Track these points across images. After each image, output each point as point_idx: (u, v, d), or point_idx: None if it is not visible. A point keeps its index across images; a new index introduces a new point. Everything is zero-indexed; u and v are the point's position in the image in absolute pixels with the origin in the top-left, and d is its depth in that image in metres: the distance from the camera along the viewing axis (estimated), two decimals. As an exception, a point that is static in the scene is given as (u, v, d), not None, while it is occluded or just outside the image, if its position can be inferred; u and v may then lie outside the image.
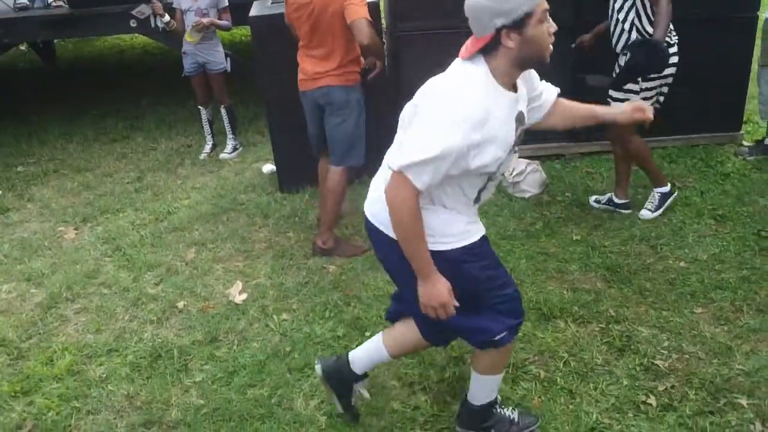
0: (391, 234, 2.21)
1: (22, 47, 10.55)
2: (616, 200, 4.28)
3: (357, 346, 3.16)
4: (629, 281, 3.55)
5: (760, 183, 4.50)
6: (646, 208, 4.19)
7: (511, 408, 2.70)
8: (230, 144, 6.07)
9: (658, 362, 2.97)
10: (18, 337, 3.54)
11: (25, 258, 4.37)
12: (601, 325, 3.23)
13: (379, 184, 2.30)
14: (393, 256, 2.28)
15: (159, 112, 7.07)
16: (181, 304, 3.71)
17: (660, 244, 3.86)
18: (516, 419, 2.65)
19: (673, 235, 3.95)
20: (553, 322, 3.29)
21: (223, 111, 6.01)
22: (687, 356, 3.00)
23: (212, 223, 4.64)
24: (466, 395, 2.63)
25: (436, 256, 2.20)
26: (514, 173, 4.55)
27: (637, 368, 2.95)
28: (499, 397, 2.68)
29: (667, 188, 4.21)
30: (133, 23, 6.14)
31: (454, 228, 2.26)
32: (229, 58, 6.14)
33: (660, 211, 4.16)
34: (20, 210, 5.18)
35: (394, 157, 2.11)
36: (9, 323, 3.65)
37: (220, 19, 5.66)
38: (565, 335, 3.18)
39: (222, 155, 5.99)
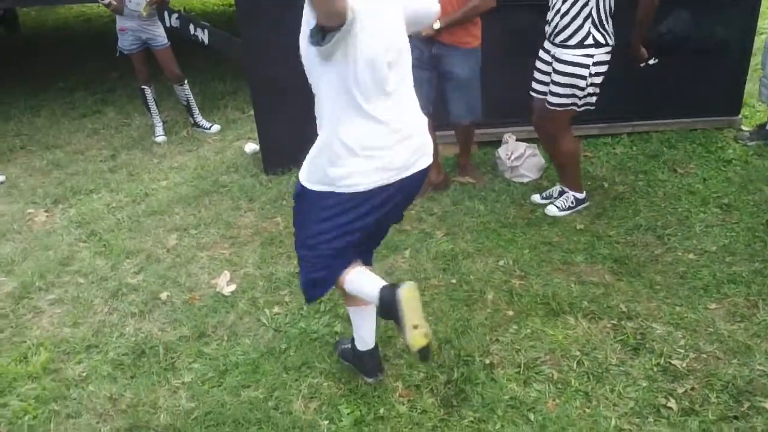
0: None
1: (-17, 15, 10.06)
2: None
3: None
4: (638, 274, 3.40)
5: (763, 170, 4.38)
6: (554, 205, 4.02)
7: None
8: (204, 120, 5.80)
9: (675, 362, 2.83)
10: (-13, 331, 3.28)
11: (-8, 243, 4.09)
12: (613, 322, 3.08)
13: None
14: None
15: (131, 86, 6.70)
16: (164, 296, 3.47)
17: (667, 234, 3.72)
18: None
19: (679, 225, 3.81)
20: (562, 317, 3.13)
21: (186, 89, 5.70)
22: (705, 356, 2.87)
23: (194, 206, 4.38)
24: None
25: None
26: (513, 157, 4.37)
27: (654, 368, 2.80)
28: None
29: (583, 195, 4.04)
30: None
31: None
32: (206, 30, 5.84)
33: (566, 213, 4.00)
34: (-14, 190, 4.87)
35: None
36: (-23, 315, 3.38)
37: None
38: (577, 332, 3.03)
39: (213, 128, 5.74)
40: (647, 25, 3.54)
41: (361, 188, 2.25)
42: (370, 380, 2.80)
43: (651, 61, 3.69)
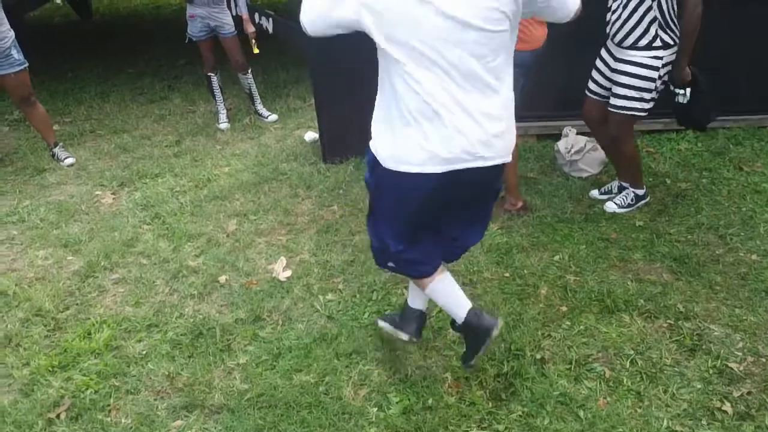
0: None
1: (58, 1, 10.43)
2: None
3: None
4: (698, 274, 3.33)
5: (834, 170, 4.22)
6: (614, 202, 3.94)
7: None
8: (264, 109, 5.91)
9: (732, 365, 2.76)
10: (55, 307, 3.42)
11: (61, 223, 4.26)
12: (669, 321, 3.03)
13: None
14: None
15: (197, 73, 6.88)
16: (223, 279, 3.57)
17: (729, 234, 3.62)
18: None
19: (743, 225, 3.70)
20: (617, 315, 3.08)
21: (249, 78, 5.81)
22: (764, 360, 2.79)
23: (254, 192, 4.47)
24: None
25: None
26: (572, 151, 4.31)
27: (710, 371, 2.74)
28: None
29: (643, 191, 3.95)
30: None
31: None
32: (271, 19, 5.93)
33: (626, 210, 3.91)
34: (56, 171, 5.06)
35: None
36: (46, 292, 3.53)
37: None
38: (631, 331, 2.98)
39: (270, 117, 5.84)
40: (693, 39, 3.35)
41: None
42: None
43: (681, 97, 3.50)
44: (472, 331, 2.55)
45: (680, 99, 3.51)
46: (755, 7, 4.40)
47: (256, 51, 5.58)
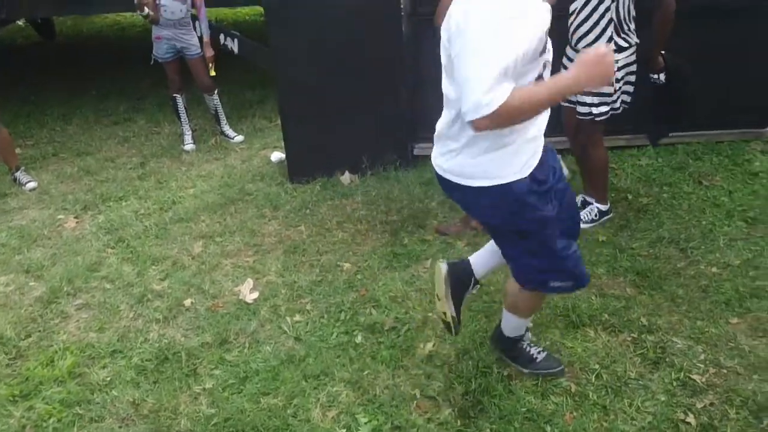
0: (477, 183, 2.26)
1: (20, 22, 10.31)
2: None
3: (376, 354, 3.04)
4: (660, 287, 3.38)
5: (790, 183, 4.32)
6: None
7: (538, 348, 2.90)
8: (230, 130, 5.88)
9: (695, 377, 2.81)
10: (16, 334, 3.36)
11: (23, 248, 4.19)
12: (633, 335, 3.07)
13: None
14: (483, 203, 2.32)
15: (161, 94, 6.82)
16: (188, 302, 3.53)
17: (690, 248, 3.69)
18: (538, 359, 2.86)
19: (703, 238, 3.77)
20: (582, 330, 3.12)
21: (215, 99, 5.80)
22: (725, 371, 2.84)
23: (219, 214, 4.45)
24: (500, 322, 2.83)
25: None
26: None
27: (674, 383, 2.78)
28: (529, 335, 2.93)
29: (607, 206, 4.01)
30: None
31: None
32: (236, 39, 5.94)
33: (589, 226, 3.95)
34: (18, 196, 4.99)
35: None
36: (7, 319, 3.47)
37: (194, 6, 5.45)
38: (596, 345, 3.02)
39: (236, 139, 5.81)
40: (665, 36, 3.52)
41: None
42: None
43: (657, 77, 3.70)
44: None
45: (657, 81, 3.70)
46: (712, 21, 4.51)
47: (212, 73, 5.56)
